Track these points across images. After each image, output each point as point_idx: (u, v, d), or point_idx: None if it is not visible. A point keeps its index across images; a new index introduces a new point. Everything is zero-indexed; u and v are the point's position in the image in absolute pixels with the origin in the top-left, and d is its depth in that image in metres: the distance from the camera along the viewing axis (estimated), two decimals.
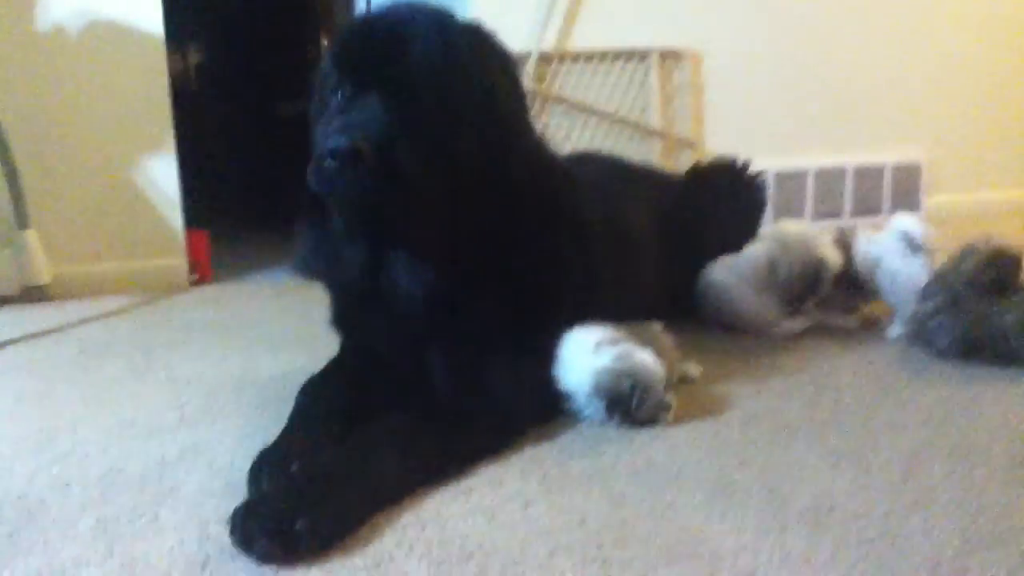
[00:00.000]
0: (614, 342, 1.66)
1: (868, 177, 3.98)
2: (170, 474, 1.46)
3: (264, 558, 1.14)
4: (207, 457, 1.53)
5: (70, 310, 2.78)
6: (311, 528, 1.16)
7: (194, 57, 6.16)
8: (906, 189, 4.05)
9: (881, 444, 1.51)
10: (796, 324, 2.23)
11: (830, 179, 3.95)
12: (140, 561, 1.17)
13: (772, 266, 2.20)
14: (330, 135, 1.42)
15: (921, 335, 2.04)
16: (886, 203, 4.02)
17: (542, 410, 1.64)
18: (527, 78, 3.41)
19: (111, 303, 2.87)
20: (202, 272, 3.31)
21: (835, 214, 3.98)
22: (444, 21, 1.54)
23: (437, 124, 1.48)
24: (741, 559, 1.14)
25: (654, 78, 3.65)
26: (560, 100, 3.54)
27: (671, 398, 1.64)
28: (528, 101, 1.73)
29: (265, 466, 1.35)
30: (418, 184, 1.46)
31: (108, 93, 3.09)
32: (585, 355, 1.64)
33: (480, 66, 1.54)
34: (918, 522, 1.23)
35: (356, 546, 1.20)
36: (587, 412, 1.64)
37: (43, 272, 2.97)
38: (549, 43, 3.49)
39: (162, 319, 2.66)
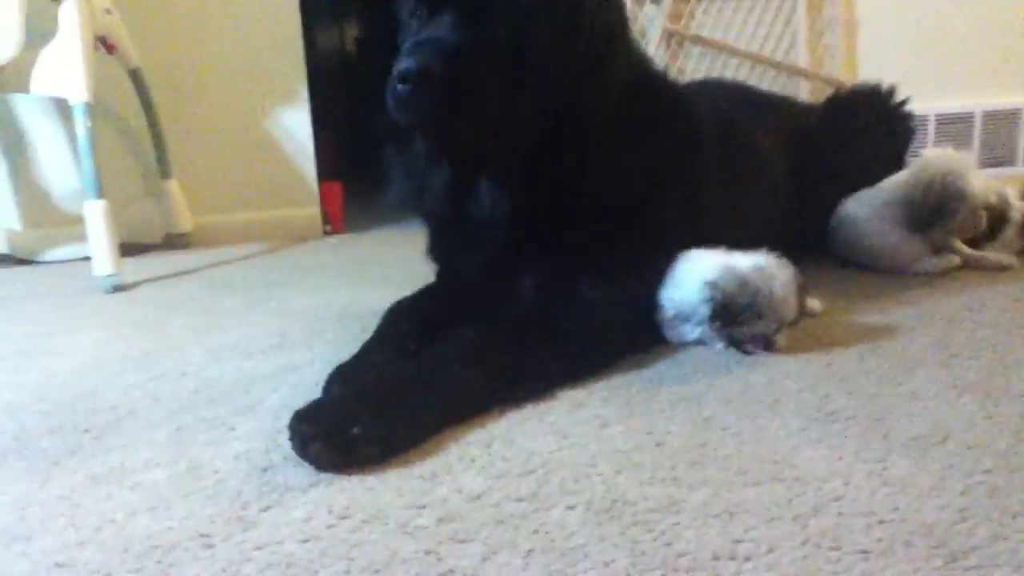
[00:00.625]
0: (743, 257, 1.53)
1: None
2: (256, 390, 1.47)
3: (318, 462, 1.11)
4: (296, 377, 1.53)
5: (205, 255, 2.89)
6: (369, 435, 1.12)
7: (351, 31, 6.35)
8: None
9: (1016, 377, 1.33)
10: (940, 262, 2.02)
11: (1000, 122, 3.58)
12: (206, 465, 1.17)
13: (906, 192, 2.00)
14: (401, 57, 1.37)
15: None
16: None
17: (636, 334, 1.54)
18: (662, 18, 3.27)
19: (244, 249, 2.97)
20: (335, 223, 3.38)
21: (1007, 161, 3.62)
22: None
23: (515, 40, 1.40)
24: (829, 484, 1.02)
25: (802, 13, 3.42)
26: (698, 40, 3.38)
27: (781, 338, 1.51)
28: (626, 15, 1.61)
29: (338, 377, 1.33)
30: (495, 104, 1.39)
31: (244, 47, 3.19)
32: (701, 269, 1.52)
33: None
34: None
35: (416, 458, 1.15)
36: (690, 332, 1.53)
37: (185, 220, 3.11)
38: None
39: (286, 263, 2.73)
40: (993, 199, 2.03)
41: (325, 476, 1.10)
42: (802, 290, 1.56)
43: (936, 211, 1.94)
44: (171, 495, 1.08)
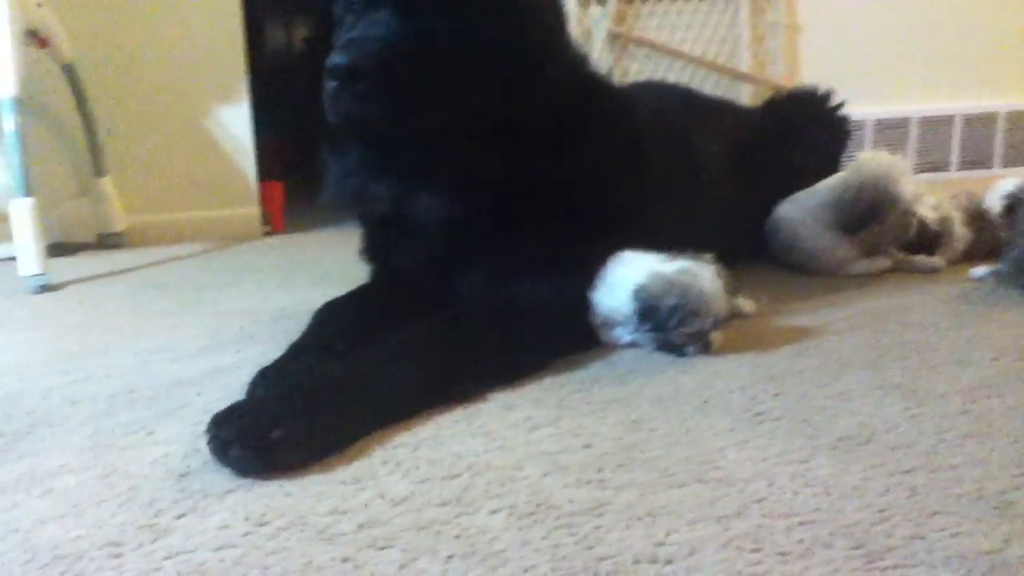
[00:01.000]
0: (668, 262, 1.53)
1: (979, 126, 3.66)
2: (180, 394, 1.43)
3: (238, 467, 1.08)
4: (224, 380, 1.49)
5: (139, 255, 2.82)
6: (290, 438, 1.09)
7: (301, 30, 6.27)
8: (1022, 139, 3.70)
9: (941, 378, 1.35)
10: (872, 264, 2.05)
11: (936, 128, 3.65)
12: (120, 471, 1.13)
13: (838, 194, 2.02)
14: (332, 54, 1.34)
15: (1017, 276, 1.84)
16: (998, 155, 3.69)
17: (572, 335, 1.53)
18: (607, 20, 3.28)
19: (179, 250, 2.91)
20: (275, 223, 3.33)
21: (941, 167, 3.68)
22: None
23: (453, 35, 1.38)
24: (753, 485, 1.02)
25: (744, 18, 3.45)
26: (642, 42, 3.40)
27: (717, 336, 1.51)
28: (564, 13, 1.59)
29: (262, 378, 1.30)
30: (432, 102, 1.37)
31: (184, 42, 3.12)
32: (632, 273, 1.51)
33: None
34: (967, 454, 1.07)
35: (340, 462, 1.12)
36: (623, 333, 1.53)
37: (119, 219, 3.03)
38: None
39: (222, 263, 2.67)
40: (933, 216, 2.05)
41: (244, 482, 1.07)
42: (728, 289, 1.57)
43: (868, 213, 1.96)
44: (82, 502, 1.04)
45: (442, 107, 1.39)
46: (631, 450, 1.13)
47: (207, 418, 1.17)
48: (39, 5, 2.60)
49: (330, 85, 1.32)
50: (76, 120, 2.93)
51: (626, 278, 1.52)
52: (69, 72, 2.84)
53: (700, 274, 1.50)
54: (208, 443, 1.11)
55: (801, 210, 2.10)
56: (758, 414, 1.23)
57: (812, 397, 1.29)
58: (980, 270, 1.94)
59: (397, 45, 1.34)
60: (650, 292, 1.46)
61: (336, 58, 1.31)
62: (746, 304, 1.72)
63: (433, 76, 1.37)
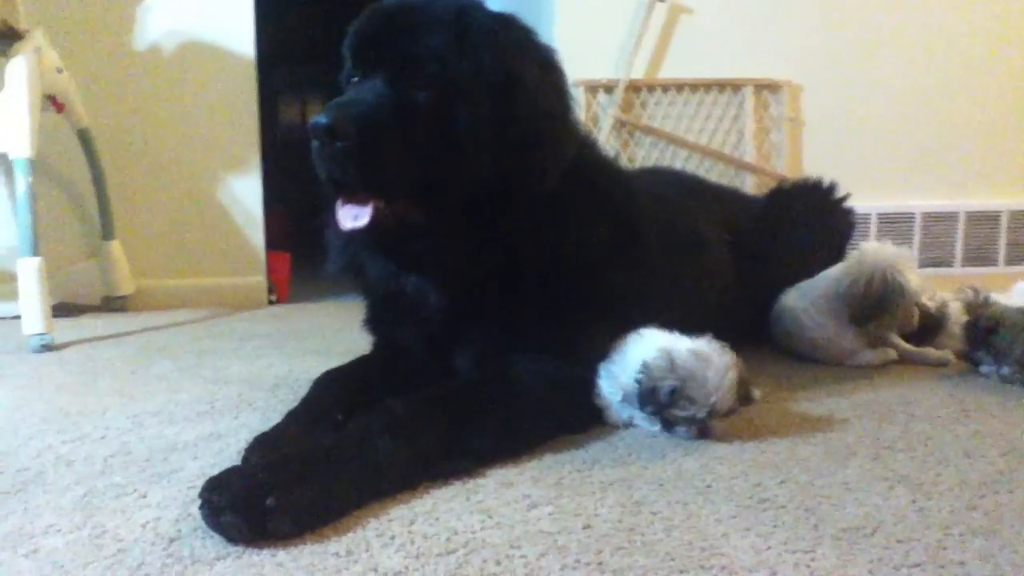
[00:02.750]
0: (683, 341, 1.52)
1: (982, 223, 3.69)
2: (175, 458, 1.41)
3: (229, 534, 1.06)
4: (220, 445, 1.47)
5: (143, 319, 2.82)
6: (283, 507, 1.07)
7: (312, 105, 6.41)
8: None
9: (948, 471, 1.33)
10: (877, 355, 2.04)
11: (939, 224, 3.68)
12: (110, 533, 1.11)
13: (841, 285, 2.02)
14: (316, 114, 1.36)
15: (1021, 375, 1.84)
16: (1001, 252, 3.72)
17: (571, 414, 1.51)
18: (614, 107, 3.34)
19: (183, 315, 2.91)
20: (280, 293, 3.33)
21: (945, 263, 3.70)
22: (465, 9, 1.46)
23: (441, 108, 1.40)
24: (756, 573, 0.99)
25: (749, 110, 3.51)
26: (649, 130, 3.45)
27: (719, 423, 1.49)
28: (568, 98, 1.59)
29: (258, 445, 1.28)
30: (408, 172, 1.38)
31: (198, 112, 3.18)
32: (641, 351, 1.50)
33: (501, 55, 1.44)
34: (975, 551, 1.05)
35: (333, 533, 1.10)
36: (625, 412, 1.52)
37: (125, 283, 3.04)
38: (639, 71, 3.41)
39: (225, 330, 2.66)
40: (930, 304, 2.06)
41: (235, 549, 1.05)
42: (743, 380, 1.53)
43: (877, 305, 1.96)
44: (68, 563, 1.02)
45: (427, 175, 1.40)
46: (631, 533, 1.11)
47: (201, 483, 1.15)
48: (59, 71, 2.66)
49: (313, 145, 1.35)
50: (88, 184, 2.96)
51: (636, 354, 1.51)
52: (84, 137, 2.89)
53: (713, 361, 1.47)
54: (200, 508, 1.08)
55: (805, 300, 2.10)
56: (761, 501, 1.21)
57: (817, 486, 1.27)
58: (988, 366, 1.92)
59: (380, 111, 1.37)
60: (652, 370, 1.45)
61: (318, 117, 1.33)
62: (755, 391, 1.69)
63: (415, 145, 1.38)
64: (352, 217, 1.39)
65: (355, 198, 1.40)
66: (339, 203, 1.42)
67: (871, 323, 1.99)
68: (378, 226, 1.39)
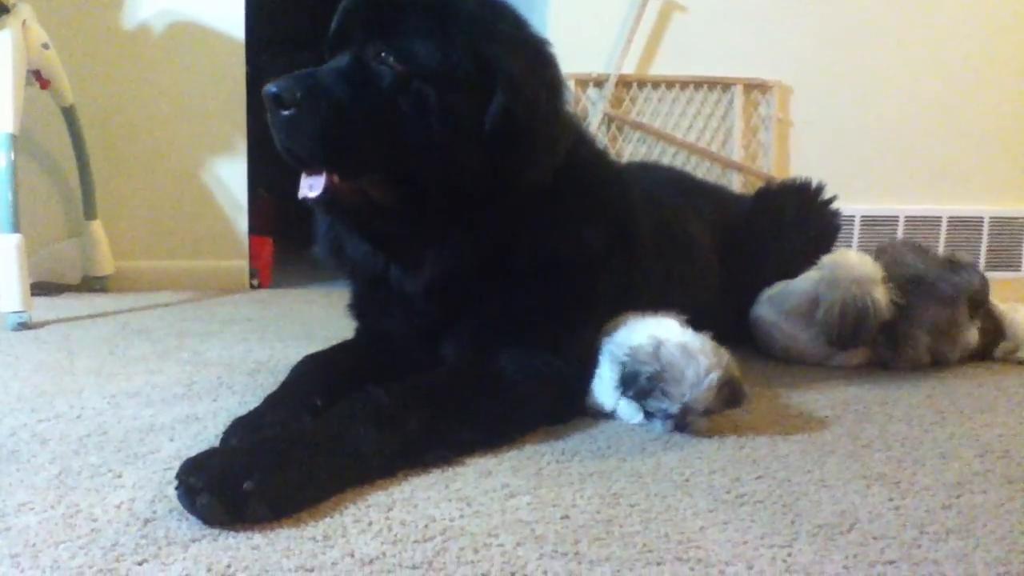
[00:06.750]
0: (676, 332, 1.51)
1: (964, 228, 3.73)
2: (152, 439, 1.40)
3: (205, 516, 1.04)
4: (197, 427, 1.46)
5: (123, 299, 2.80)
6: (260, 491, 1.06)
7: None
8: (1006, 244, 3.77)
9: (925, 470, 1.34)
10: (853, 358, 2.04)
11: (922, 227, 3.71)
12: (83, 512, 1.09)
13: (814, 303, 2.01)
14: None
15: None
16: (982, 257, 3.75)
17: (552, 406, 1.50)
18: (604, 102, 3.33)
19: (164, 297, 2.88)
20: (263, 277, 3.32)
21: None
22: None
23: (410, 91, 1.37)
24: (732, 567, 0.99)
25: (738, 110, 3.52)
26: (638, 126, 3.45)
27: (703, 422, 1.49)
28: (561, 90, 1.55)
29: (237, 428, 1.27)
30: (364, 149, 1.36)
31: (185, 94, 3.16)
32: (634, 335, 1.51)
33: (481, 41, 1.40)
34: (949, 550, 1.05)
35: (310, 518, 1.09)
36: (608, 398, 1.52)
37: (106, 263, 3.01)
38: (630, 67, 3.41)
39: (206, 313, 2.65)
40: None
41: (211, 531, 1.04)
42: (731, 383, 1.49)
43: (852, 332, 1.95)
44: (40, 542, 1.00)
45: (392, 159, 1.39)
46: (609, 524, 1.11)
47: (177, 465, 1.13)
48: (45, 46, 2.63)
49: (269, 111, 1.34)
50: (71, 162, 2.94)
51: (635, 336, 1.51)
52: (69, 114, 2.86)
53: (695, 357, 1.45)
54: (176, 489, 1.07)
55: (776, 313, 2.10)
56: (739, 496, 1.21)
57: (795, 482, 1.27)
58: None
59: (335, 84, 1.35)
60: (638, 356, 1.45)
61: (269, 86, 1.32)
62: (745, 396, 1.68)
63: (376, 124, 1.36)
64: (308, 187, 1.39)
65: (313, 170, 1.39)
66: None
67: (851, 347, 2.00)
68: (339, 201, 1.39)
